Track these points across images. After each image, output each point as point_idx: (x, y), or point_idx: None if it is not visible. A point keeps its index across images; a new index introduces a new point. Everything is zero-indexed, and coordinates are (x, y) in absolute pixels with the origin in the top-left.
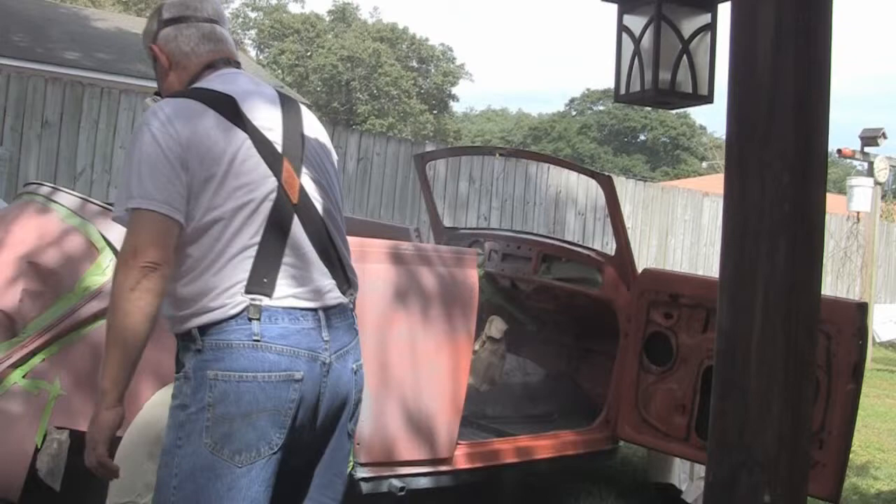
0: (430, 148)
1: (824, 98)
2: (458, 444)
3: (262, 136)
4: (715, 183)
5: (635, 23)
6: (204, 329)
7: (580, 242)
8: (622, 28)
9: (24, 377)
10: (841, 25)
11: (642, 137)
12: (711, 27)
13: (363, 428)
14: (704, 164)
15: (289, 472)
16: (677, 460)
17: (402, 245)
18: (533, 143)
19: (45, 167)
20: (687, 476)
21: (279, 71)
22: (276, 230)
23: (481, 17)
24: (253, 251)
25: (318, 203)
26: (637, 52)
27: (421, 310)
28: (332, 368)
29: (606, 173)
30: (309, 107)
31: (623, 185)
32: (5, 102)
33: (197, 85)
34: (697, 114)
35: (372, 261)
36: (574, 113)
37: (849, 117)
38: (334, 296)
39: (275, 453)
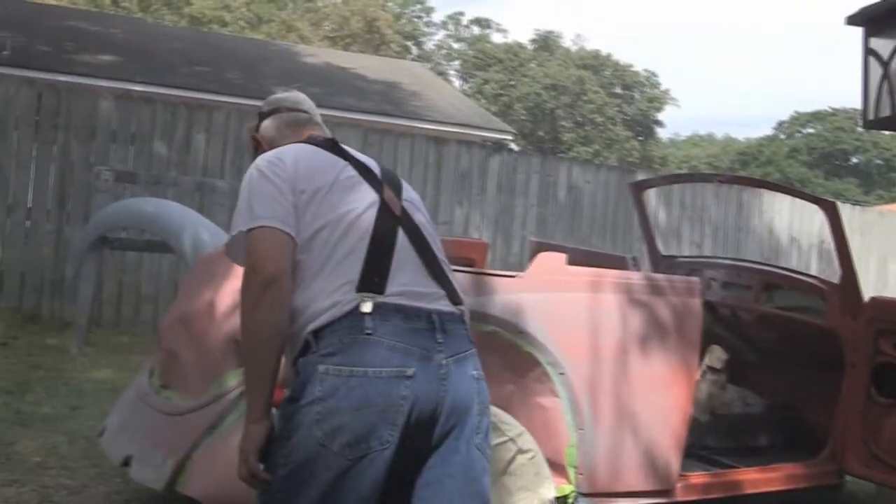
0: (640, 175)
1: None
2: (680, 475)
3: (363, 165)
4: None
5: (883, 46)
6: (318, 332)
7: (799, 269)
8: (868, 51)
9: None
10: None
11: (854, 160)
12: None
13: (587, 457)
14: None
15: (407, 484)
16: None
17: (633, 275)
18: (741, 168)
19: None
20: None
21: (483, 101)
22: (383, 235)
23: (686, 41)
24: (362, 253)
25: (420, 224)
26: (886, 76)
27: (648, 339)
28: (451, 372)
29: (830, 199)
30: (516, 136)
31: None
32: (225, 138)
33: None
34: None
35: (605, 290)
36: (782, 136)
37: None
38: (445, 304)
39: (385, 449)
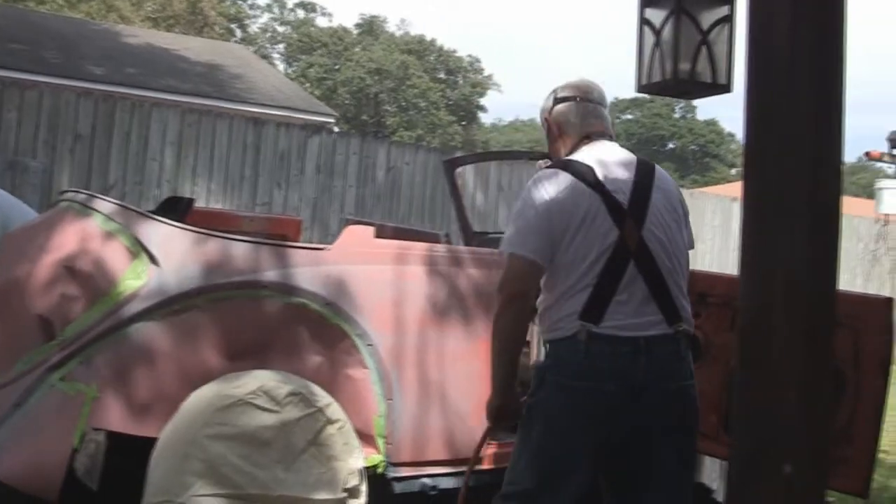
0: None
1: (839, 83)
2: (487, 444)
3: (611, 198)
4: None
5: (656, 15)
6: (550, 343)
7: None
8: (643, 21)
9: (61, 379)
10: (865, 29)
11: (671, 146)
12: (730, 19)
13: (395, 427)
14: (734, 171)
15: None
16: (707, 459)
17: (438, 247)
18: None
19: (77, 180)
20: (718, 476)
21: (307, 84)
22: (612, 273)
23: (508, 28)
24: (590, 289)
25: (654, 251)
26: (658, 44)
27: (453, 311)
28: (649, 390)
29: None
30: (338, 119)
31: None
32: (38, 117)
33: (572, 155)
34: (725, 121)
35: (411, 263)
36: None
37: (879, 122)
38: (660, 328)
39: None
